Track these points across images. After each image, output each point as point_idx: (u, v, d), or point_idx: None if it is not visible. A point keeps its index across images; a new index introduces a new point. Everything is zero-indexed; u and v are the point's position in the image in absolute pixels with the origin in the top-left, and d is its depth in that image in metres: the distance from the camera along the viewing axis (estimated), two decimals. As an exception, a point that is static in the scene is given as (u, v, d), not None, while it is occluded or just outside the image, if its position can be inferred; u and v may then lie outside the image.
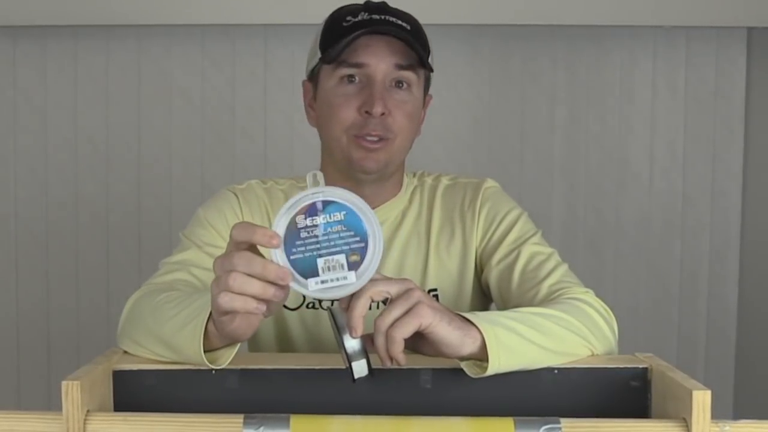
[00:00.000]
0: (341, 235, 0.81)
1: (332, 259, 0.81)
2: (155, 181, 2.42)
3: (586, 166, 2.46)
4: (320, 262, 0.81)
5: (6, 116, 2.41)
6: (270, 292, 0.82)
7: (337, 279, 0.81)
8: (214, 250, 1.21)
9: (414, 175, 1.35)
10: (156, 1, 2.30)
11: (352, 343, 0.85)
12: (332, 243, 0.81)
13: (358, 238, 0.81)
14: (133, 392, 0.94)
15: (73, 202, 2.42)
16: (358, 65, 1.18)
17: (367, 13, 1.19)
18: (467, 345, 0.90)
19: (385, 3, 1.23)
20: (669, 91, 2.44)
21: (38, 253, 2.43)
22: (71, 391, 0.82)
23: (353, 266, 0.81)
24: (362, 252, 0.81)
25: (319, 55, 1.21)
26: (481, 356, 0.91)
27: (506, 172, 2.43)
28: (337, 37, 1.18)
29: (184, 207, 2.32)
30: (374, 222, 0.82)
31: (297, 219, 0.81)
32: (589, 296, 1.11)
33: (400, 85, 1.20)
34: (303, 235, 0.81)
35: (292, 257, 0.81)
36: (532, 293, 1.15)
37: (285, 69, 2.39)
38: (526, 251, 1.21)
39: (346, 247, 0.81)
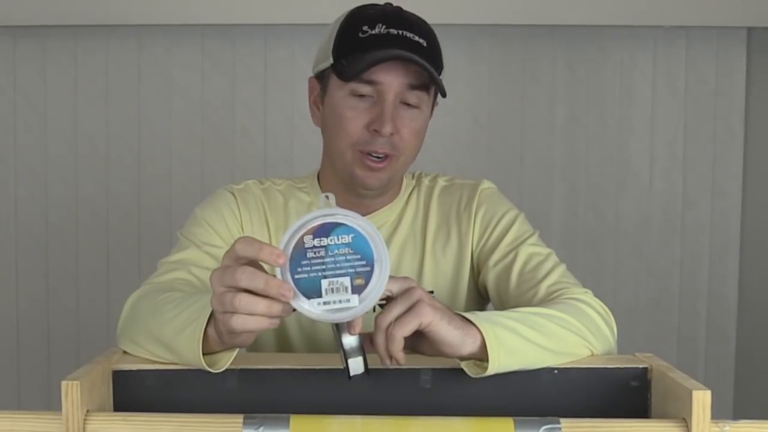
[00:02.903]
0: (348, 257, 0.81)
1: (336, 281, 0.80)
2: (155, 181, 2.42)
3: (586, 166, 2.46)
4: (324, 283, 0.80)
5: (6, 116, 2.41)
6: (276, 310, 0.81)
7: (340, 301, 0.80)
8: (212, 249, 1.21)
9: (412, 176, 1.35)
10: (156, 1, 2.30)
11: (349, 340, 0.85)
12: (338, 265, 0.80)
13: (364, 262, 0.81)
14: (133, 392, 0.94)
15: (73, 202, 2.42)
16: (370, 82, 1.16)
17: (384, 26, 1.15)
18: (467, 344, 0.90)
19: (401, 10, 1.20)
20: (669, 91, 2.44)
21: (38, 253, 2.43)
22: (71, 391, 0.82)
23: (357, 290, 0.80)
24: (367, 276, 0.81)
25: (331, 60, 1.19)
26: (481, 356, 0.91)
27: (506, 172, 2.43)
28: (351, 49, 1.16)
29: (184, 207, 2.32)
30: (382, 247, 0.81)
31: (305, 239, 0.81)
32: (588, 296, 1.10)
33: (410, 105, 1.18)
34: (309, 255, 0.81)
35: (296, 276, 0.80)
36: (530, 294, 1.15)
37: (285, 69, 2.39)
38: (524, 252, 1.21)
39: (351, 270, 0.80)
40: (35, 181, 2.42)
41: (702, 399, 0.81)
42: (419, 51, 1.15)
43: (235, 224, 1.25)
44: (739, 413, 2.36)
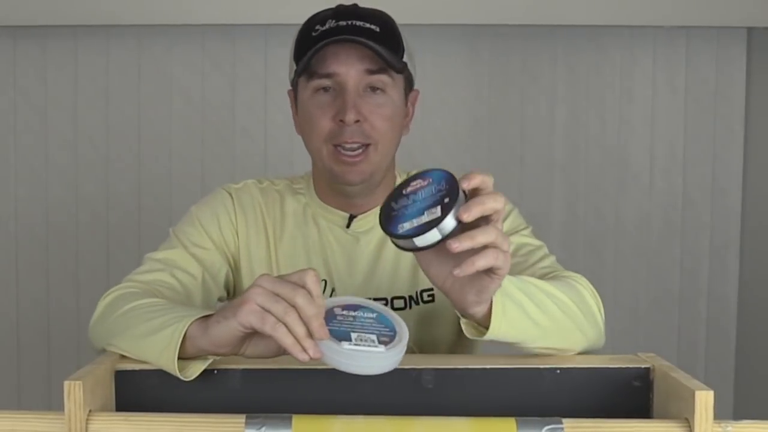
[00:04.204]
0: (374, 324, 0.88)
1: (364, 336, 0.86)
2: (155, 181, 2.42)
3: (586, 166, 2.46)
4: (353, 335, 0.86)
5: (6, 116, 2.40)
6: (308, 343, 0.83)
7: (368, 346, 0.85)
8: (199, 251, 1.22)
9: (407, 175, 1.34)
10: (156, 1, 2.30)
11: (450, 222, 0.82)
12: (365, 328, 0.87)
13: (387, 329, 0.88)
14: (135, 392, 0.94)
15: (73, 202, 2.42)
16: (328, 75, 1.17)
17: (334, 21, 1.17)
18: (482, 307, 0.89)
19: (355, 6, 1.22)
20: (669, 91, 2.44)
21: (38, 253, 2.43)
22: (73, 390, 0.82)
23: (382, 343, 0.86)
24: (391, 338, 0.87)
25: (294, 66, 1.22)
26: (482, 320, 0.91)
27: (506, 172, 2.43)
28: (306, 48, 1.18)
29: (184, 207, 2.30)
30: (403, 325, 0.89)
31: (335, 309, 0.89)
32: (583, 279, 1.10)
33: (375, 89, 1.19)
34: (339, 318, 0.88)
35: (328, 326, 0.85)
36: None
37: (285, 69, 2.35)
38: (516, 241, 1.20)
39: (377, 333, 0.87)
40: (35, 181, 2.42)
41: (705, 399, 0.81)
42: (369, 36, 1.16)
43: (229, 226, 1.26)
44: (740, 413, 2.36)
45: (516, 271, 1.16)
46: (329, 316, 0.87)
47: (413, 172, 1.34)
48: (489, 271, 0.85)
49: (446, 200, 0.82)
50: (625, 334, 2.46)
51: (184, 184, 2.41)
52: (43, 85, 2.40)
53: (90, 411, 0.84)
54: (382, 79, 1.19)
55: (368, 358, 0.84)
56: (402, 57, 1.20)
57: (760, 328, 2.47)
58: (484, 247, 0.82)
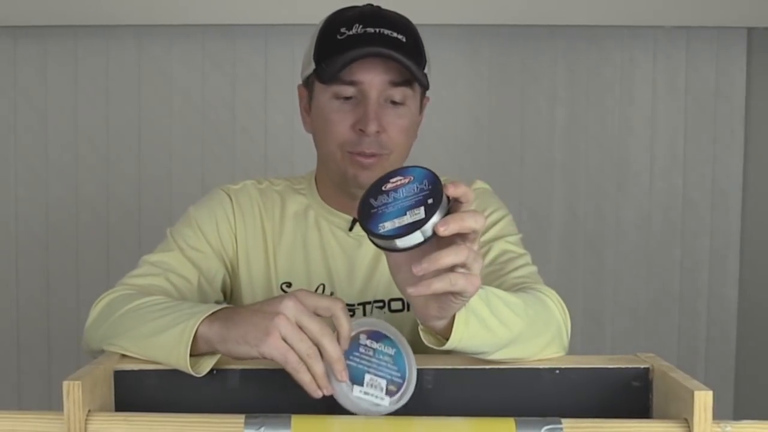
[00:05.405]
0: (389, 366, 0.91)
1: (376, 380, 0.89)
2: (155, 181, 2.42)
3: (586, 166, 2.46)
4: (367, 377, 0.89)
5: (6, 116, 2.40)
6: (324, 383, 0.87)
7: (375, 397, 0.88)
8: (195, 254, 1.21)
9: None
10: (156, 1, 2.30)
11: (433, 220, 0.78)
12: (380, 368, 0.90)
13: (399, 374, 0.90)
14: (134, 392, 0.94)
15: (73, 202, 2.42)
16: (352, 83, 1.15)
17: (361, 26, 1.15)
18: (442, 322, 0.88)
19: (379, 9, 1.20)
20: (669, 91, 2.44)
21: (38, 253, 2.43)
22: (73, 391, 0.82)
23: (389, 393, 0.89)
24: (399, 387, 0.90)
25: (313, 65, 1.19)
26: (442, 331, 0.90)
27: (506, 172, 2.43)
28: (330, 51, 1.15)
29: (184, 207, 2.31)
30: (414, 370, 0.91)
31: (360, 336, 0.91)
32: (552, 294, 1.08)
33: (396, 101, 1.17)
34: (362, 350, 0.90)
35: (348, 362, 0.89)
36: (496, 284, 1.13)
37: (285, 69, 2.39)
38: (499, 247, 1.19)
39: (389, 377, 0.90)
40: (35, 181, 2.42)
41: (704, 399, 0.81)
42: (398, 47, 1.14)
43: (227, 230, 1.25)
44: (740, 413, 2.36)
45: (491, 278, 1.15)
46: (353, 342, 0.90)
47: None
48: (454, 293, 0.81)
49: (430, 201, 0.79)
50: (625, 334, 2.46)
51: (184, 184, 2.41)
52: (43, 85, 2.40)
53: (89, 411, 0.84)
54: (405, 92, 1.17)
55: (370, 409, 0.87)
56: (424, 68, 1.19)
57: (760, 328, 2.47)
58: (452, 267, 0.79)
